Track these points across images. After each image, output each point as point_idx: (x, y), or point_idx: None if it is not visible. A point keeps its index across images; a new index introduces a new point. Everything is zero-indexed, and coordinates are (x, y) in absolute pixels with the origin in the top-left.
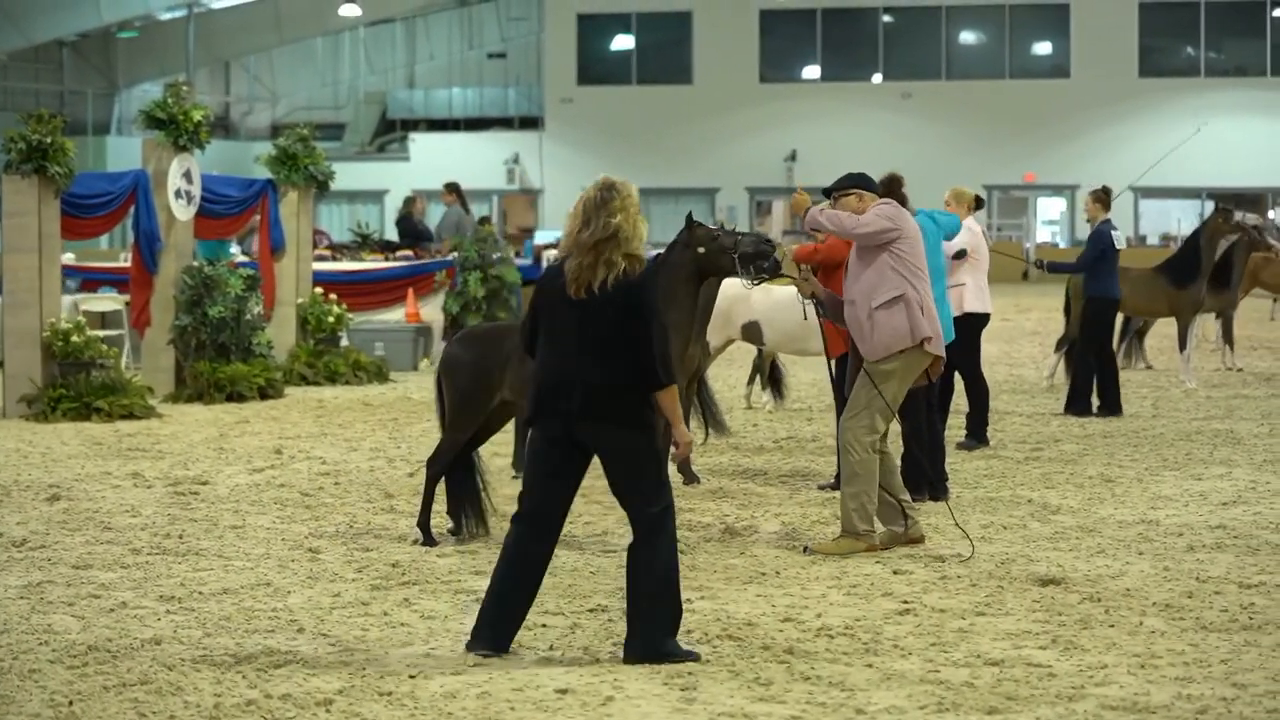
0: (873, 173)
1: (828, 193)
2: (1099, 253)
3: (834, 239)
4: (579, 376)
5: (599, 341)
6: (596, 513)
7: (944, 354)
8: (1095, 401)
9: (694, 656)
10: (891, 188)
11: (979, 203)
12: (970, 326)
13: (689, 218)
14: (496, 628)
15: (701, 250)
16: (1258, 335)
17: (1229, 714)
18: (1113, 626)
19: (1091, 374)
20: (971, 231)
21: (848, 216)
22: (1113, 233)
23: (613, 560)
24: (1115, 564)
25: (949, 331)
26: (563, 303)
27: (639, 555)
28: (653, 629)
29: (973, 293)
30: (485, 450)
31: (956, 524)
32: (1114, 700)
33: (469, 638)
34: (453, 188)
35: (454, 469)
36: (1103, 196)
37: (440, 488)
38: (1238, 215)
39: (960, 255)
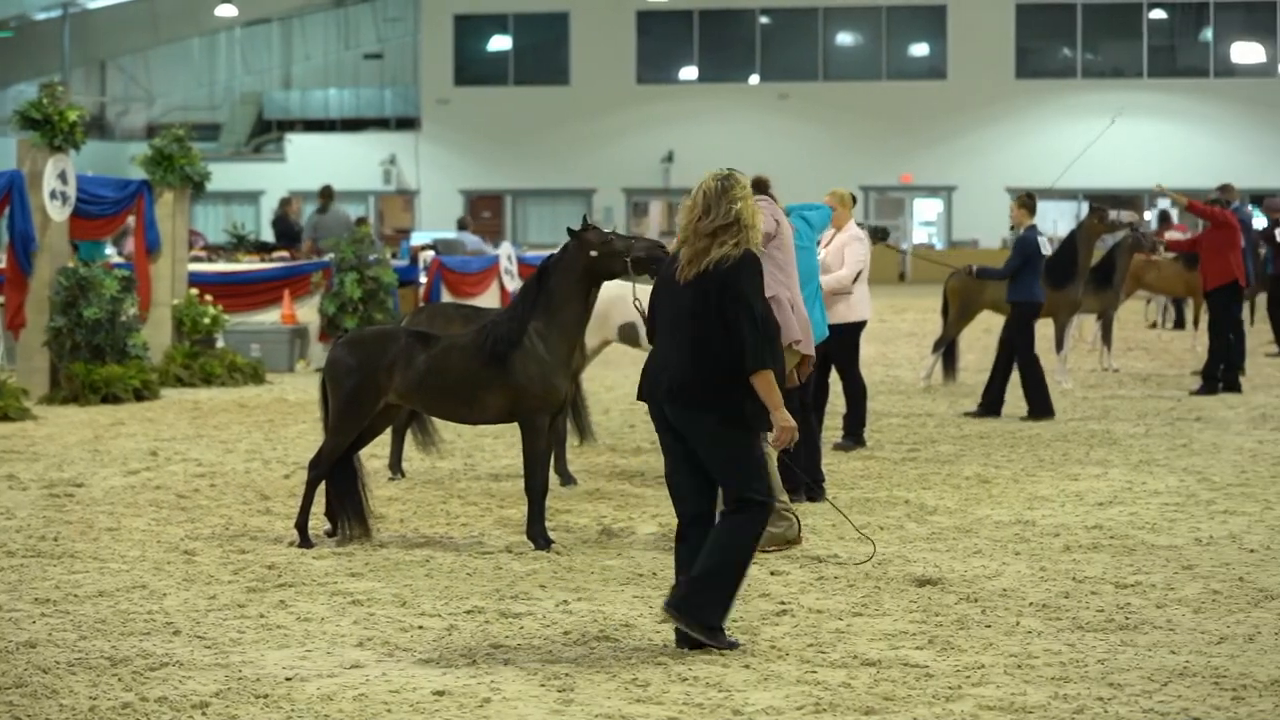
0: (752, 173)
1: None
2: (1025, 259)
3: None
4: (675, 360)
5: (697, 325)
6: (473, 514)
7: (813, 354)
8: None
9: (734, 645)
10: (759, 191)
11: (854, 201)
12: (853, 331)
13: (584, 220)
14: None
15: (594, 254)
16: (1134, 336)
17: (1105, 714)
18: (989, 627)
19: (1008, 378)
20: (861, 241)
21: None
22: (1039, 238)
23: (489, 562)
24: (992, 564)
25: (820, 331)
26: (672, 289)
27: (717, 529)
28: (703, 601)
29: (860, 300)
30: (363, 453)
31: (855, 527)
32: (991, 700)
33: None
34: (323, 192)
35: (335, 472)
36: (1028, 201)
37: (321, 490)
38: (1112, 214)
39: (884, 236)
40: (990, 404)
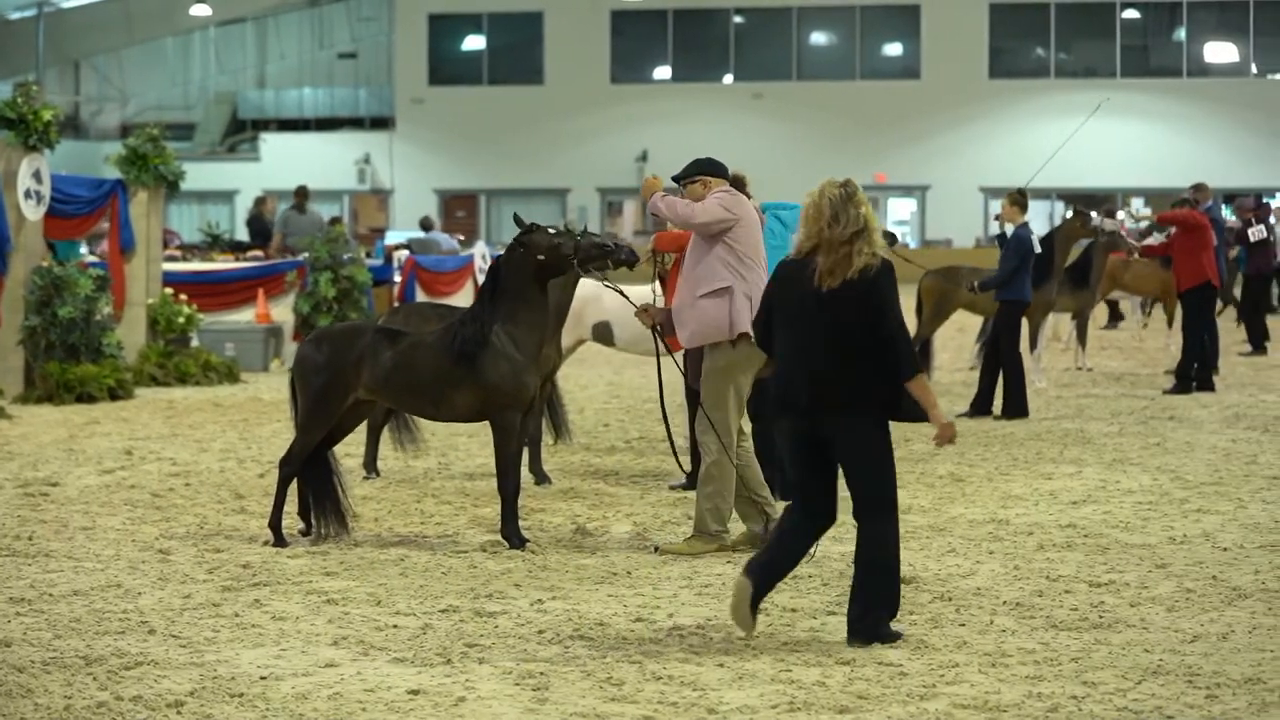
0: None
1: (678, 180)
2: (1021, 258)
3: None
4: (823, 369)
5: (844, 333)
6: (447, 513)
7: None
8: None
9: (898, 636)
10: (737, 187)
11: None
12: None
13: (532, 224)
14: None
15: (541, 258)
16: (1108, 335)
17: (1079, 712)
18: (963, 625)
19: (996, 378)
20: None
21: (684, 204)
22: (1031, 236)
23: (464, 560)
24: (966, 563)
25: None
26: (809, 297)
27: (862, 534)
28: (870, 607)
29: None
30: (337, 451)
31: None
32: (965, 699)
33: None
34: (299, 191)
35: (310, 470)
36: (1020, 199)
37: (292, 489)
38: (1095, 219)
39: (893, 241)
40: (980, 404)
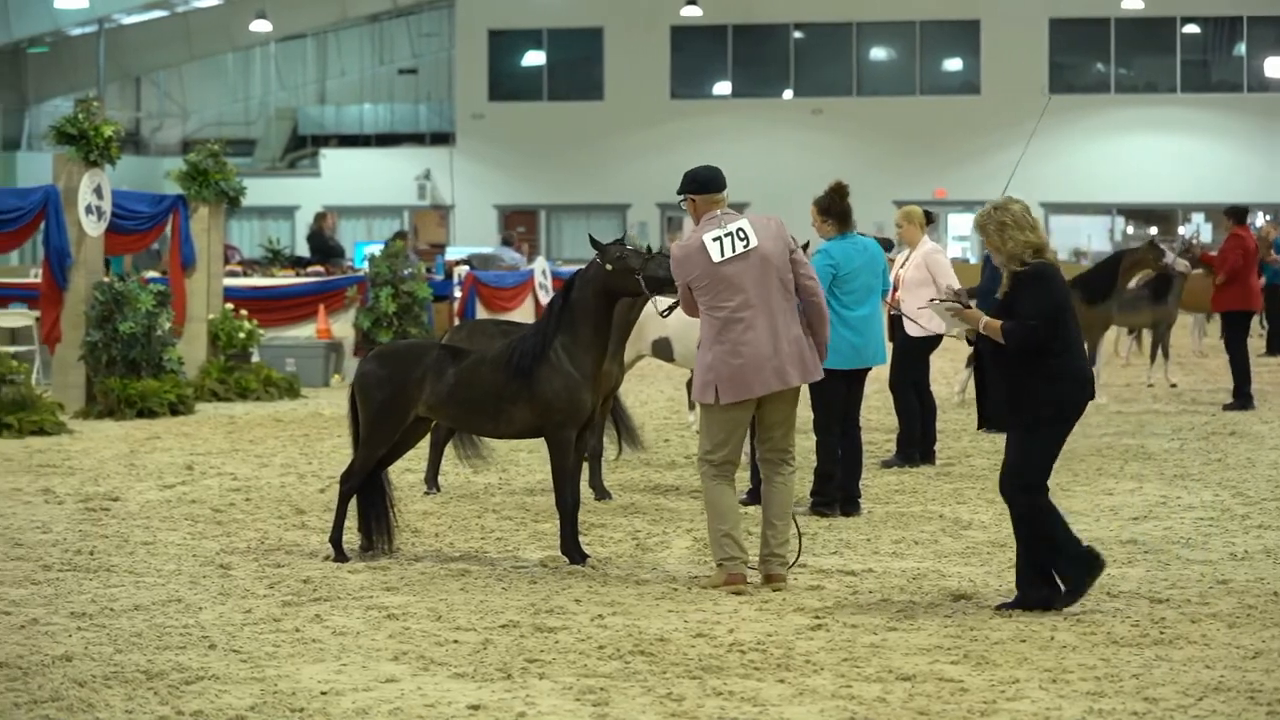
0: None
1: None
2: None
3: None
4: None
5: None
6: (508, 529)
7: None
8: None
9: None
10: (834, 199)
11: (929, 218)
12: (931, 345)
13: (615, 240)
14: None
15: (609, 267)
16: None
17: None
18: (1024, 641)
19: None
20: (943, 253)
21: (684, 303)
22: None
23: (524, 576)
24: None
25: (882, 351)
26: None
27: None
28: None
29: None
30: (397, 466)
31: (798, 531)
32: (1026, 715)
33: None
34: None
35: (365, 486)
36: None
37: (353, 505)
38: (1168, 258)
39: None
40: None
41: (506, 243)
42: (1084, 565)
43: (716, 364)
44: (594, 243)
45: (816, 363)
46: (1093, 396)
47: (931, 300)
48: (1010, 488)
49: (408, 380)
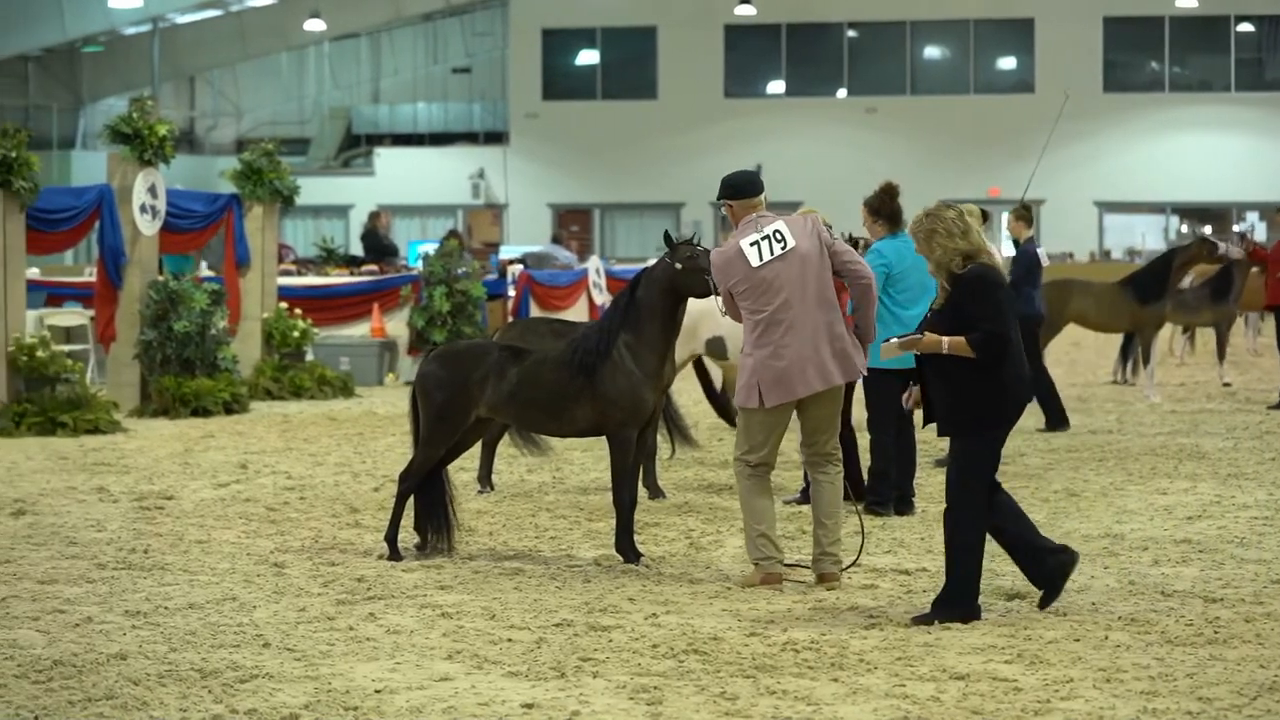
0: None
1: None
2: (1025, 270)
3: None
4: None
5: None
6: (562, 528)
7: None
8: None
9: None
10: (884, 199)
11: (984, 217)
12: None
13: (675, 238)
14: None
15: (679, 266)
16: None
17: None
18: (1078, 640)
19: (1048, 389)
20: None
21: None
22: (1038, 250)
23: (578, 574)
24: (1080, 578)
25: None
26: None
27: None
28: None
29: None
30: (450, 466)
31: (862, 530)
32: (1079, 714)
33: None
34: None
35: (424, 485)
36: (1024, 214)
37: (408, 503)
38: (1222, 248)
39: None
40: (1055, 418)
41: (556, 241)
42: (1051, 564)
43: (759, 367)
44: (667, 239)
45: (862, 360)
46: (1031, 398)
47: (887, 340)
48: (953, 493)
49: (469, 381)
